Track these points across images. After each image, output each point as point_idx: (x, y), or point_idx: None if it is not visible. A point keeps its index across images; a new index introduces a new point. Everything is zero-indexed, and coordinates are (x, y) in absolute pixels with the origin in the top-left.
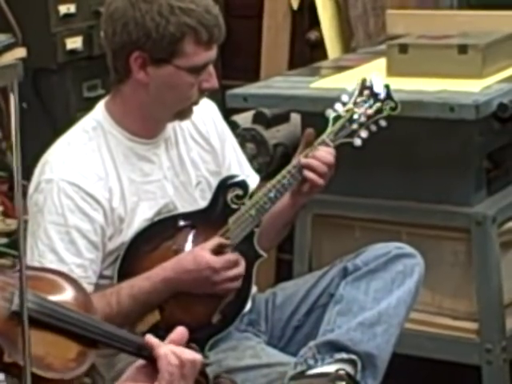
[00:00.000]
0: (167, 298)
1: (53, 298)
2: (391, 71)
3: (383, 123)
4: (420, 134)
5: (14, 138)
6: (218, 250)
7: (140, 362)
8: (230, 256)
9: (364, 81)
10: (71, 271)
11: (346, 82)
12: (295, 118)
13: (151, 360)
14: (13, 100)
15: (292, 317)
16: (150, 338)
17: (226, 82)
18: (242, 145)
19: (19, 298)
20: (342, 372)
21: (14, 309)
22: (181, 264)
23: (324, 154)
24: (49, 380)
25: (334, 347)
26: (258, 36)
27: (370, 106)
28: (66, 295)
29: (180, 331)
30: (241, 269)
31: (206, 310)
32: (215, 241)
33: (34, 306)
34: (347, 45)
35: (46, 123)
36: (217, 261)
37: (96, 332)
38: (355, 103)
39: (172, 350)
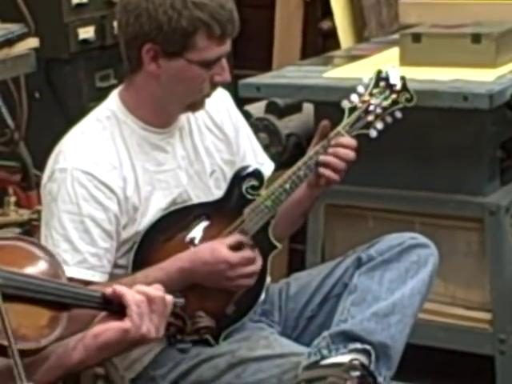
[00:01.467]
0: (182, 289)
1: (15, 266)
2: (404, 60)
3: (399, 115)
4: (433, 123)
5: None
6: (237, 247)
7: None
8: (247, 253)
9: (380, 72)
10: (85, 260)
11: (358, 71)
12: (308, 107)
13: (120, 312)
14: None
15: (306, 307)
16: (108, 288)
17: (238, 71)
18: (255, 134)
19: None
20: (355, 362)
21: None
22: (197, 255)
23: (343, 150)
24: (25, 351)
25: (348, 337)
26: (270, 26)
27: (386, 98)
28: (30, 261)
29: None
30: (256, 266)
31: (221, 301)
32: (235, 237)
33: None
34: (360, 34)
35: (59, 113)
36: (233, 256)
37: (62, 295)
38: (371, 94)
39: (137, 288)
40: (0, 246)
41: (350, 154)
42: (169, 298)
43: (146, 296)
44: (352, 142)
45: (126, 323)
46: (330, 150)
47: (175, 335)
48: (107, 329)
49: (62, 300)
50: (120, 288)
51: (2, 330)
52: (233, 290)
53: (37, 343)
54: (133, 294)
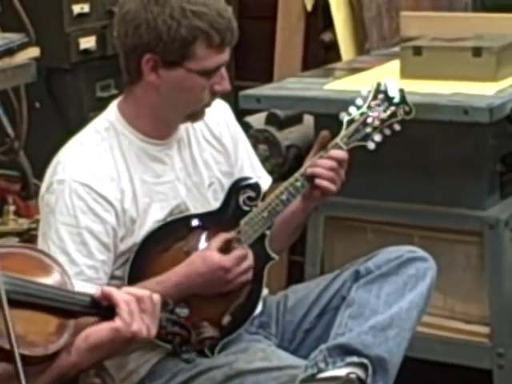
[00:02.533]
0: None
1: (23, 273)
2: (405, 73)
3: (397, 127)
4: (433, 136)
5: None
6: (225, 247)
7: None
8: (238, 252)
9: (379, 84)
10: (82, 272)
11: (359, 83)
12: (308, 119)
13: (111, 317)
14: None
15: (303, 319)
16: (102, 287)
17: (239, 82)
18: (255, 146)
19: None
20: (352, 376)
21: None
22: (192, 268)
23: (328, 161)
24: (33, 357)
25: (345, 351)
26: (271, 37)
27: (384, 110)
28: (37, 269)
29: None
30: (250, 261)
31: (216, 312)
32: (220, 238)
33: (6, 285)
34: (361, 46)
35: (59, 123)
36: (227, 260)
37: (71, 302)
38: (369, 107)
39: (124, 289)
40: (8, 253)
41: (333, 164)
42: (156, 296)
43: (134, 296)
44: (341, 154)
45: (116, 322)
46: (317, 161)
47: (180, 345)
48: (97, 329)
49: (69, 307)
50: (107, 288)
51: (5, 334)
52: (234, 290)
53: (45, 350)
54: (121, 293)
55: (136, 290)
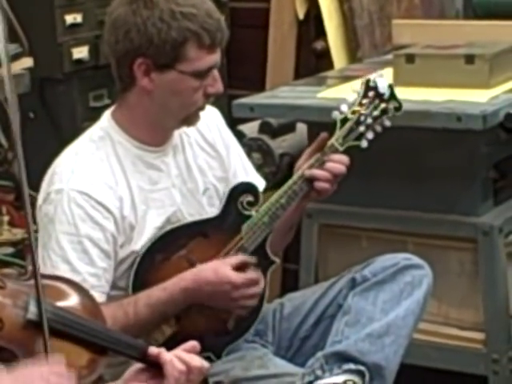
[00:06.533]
0: (184, 308)
1: (61, 304)
2: (398, 81)
3: (387, 123)
4: (426, 143)
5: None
6: (240, 267)
7: (140, 365)
8: (252, 274)
9: (368, 81)
10: (85, 280)
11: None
12: (301, 127)
13: (154, 365)
14: None
15: (300, 327)
16: (152, 348)
17: (231, 91)
18: (248, 155)
19: (37, 307)
20: (349, 383)
21: (29, 317)
22: (201, 275)
23: (339, 166)
24: None
25: (342, 358)
26: (263, 46)
27: (376, 107)
28: (74, 302)
29: (191, 343)
30: (259, 287)
31: (222, 318)
32: (239, 258)
33: (48, 314)
34: (353, 55)
35: (52, 133)
36: (238, 277)
37: (105, 339)
38: (361, 104)
39: (179, 355)
40: (47, 284)
41: (343, 169)
42: (206, 366)
43: (187, 366)
44: (345, 158)
45: None
46: (327, 165)
47: None
48: None
49: (104, 344)
50: (165, 356)
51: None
52: (235, 310)
53: (76, 382)
54: (173, 363)
55: (190, 358)
